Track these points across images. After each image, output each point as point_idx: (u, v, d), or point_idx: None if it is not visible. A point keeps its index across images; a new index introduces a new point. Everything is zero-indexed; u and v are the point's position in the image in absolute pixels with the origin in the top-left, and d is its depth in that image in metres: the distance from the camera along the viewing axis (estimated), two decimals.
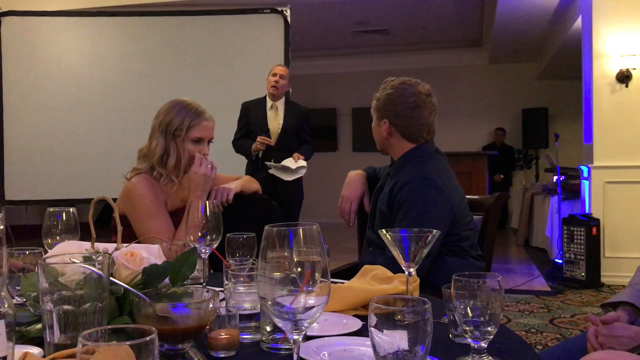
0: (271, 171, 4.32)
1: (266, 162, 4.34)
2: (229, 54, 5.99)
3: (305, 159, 4.39)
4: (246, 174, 4.01)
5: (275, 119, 4.51)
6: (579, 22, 5.92)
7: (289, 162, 4.32)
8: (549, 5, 6.59)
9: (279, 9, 5.90)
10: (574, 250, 5.08)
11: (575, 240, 5.06)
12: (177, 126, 1.99)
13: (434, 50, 9.90)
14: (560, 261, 5.45)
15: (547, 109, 9.57)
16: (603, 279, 5.02)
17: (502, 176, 9.33)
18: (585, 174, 5.43)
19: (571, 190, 6.28)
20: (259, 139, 4.33)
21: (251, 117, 4.52)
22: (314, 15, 7.63)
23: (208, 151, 2.06)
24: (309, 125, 4.66)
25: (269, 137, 4.37)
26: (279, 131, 4.48)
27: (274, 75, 4.48)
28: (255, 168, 4.42)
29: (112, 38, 6.11)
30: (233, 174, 2.31)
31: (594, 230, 4.98)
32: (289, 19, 5.90)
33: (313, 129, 4.72)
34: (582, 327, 3.74)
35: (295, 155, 4.36)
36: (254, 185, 2.28)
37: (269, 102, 4.53)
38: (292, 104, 4.67)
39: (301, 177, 4.46)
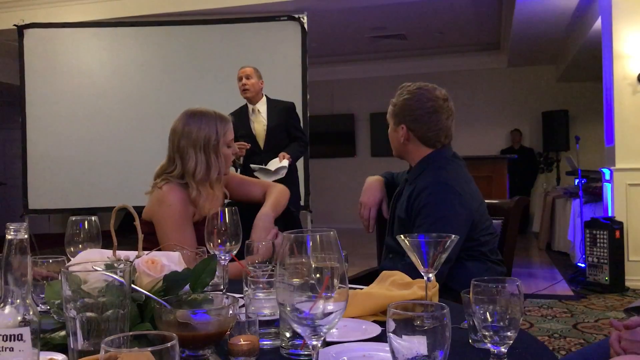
0: (256, 173, 4.13)
1: (251, 165, 4.17)
2: (247, 62, 5.99)
3: (292, 157, 4.22)
4: None
5: (259, 122, 4.38)
6: (598, 23, 5.85)
7: (273, 163, 4.15)
8: (568, 6, 6.52)
9: (296, 16, 5.92)
10: (597, 254, 5.00)
11: (598, 244, 4.99)
12: (214, 138, 2.04)
13: (452, 54, 9.85)
14: (583, 265, 5.38)
15: (568, 111, 9.45)
16: (627, 283, 4.94)
17: None
18: (607, 177, 5.36)
19: (593, 193, 6.19)
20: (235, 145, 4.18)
21: (235, 126, 4.38)
22: (331, 21, 7.65)
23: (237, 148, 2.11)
24: (297, 119, 4.52)
25: (246, 142, 4.15)
26: (265, 132, 4.34)
27: (240, 79, 4.38)
28: None
29: (132, 48, 6.18)
30: None
31: (617, 233, 4.91)
32: (305, 25, 5.92)
33: (305, 125, 4.52)
34: (606, 332, 3.69)
35: (281, 154, 4.16)
36: (282, 201, 2.23)
37: (249, 107, 4.41)
38: (274, 101, 4.48)
39: (297, 179, 4.30)
